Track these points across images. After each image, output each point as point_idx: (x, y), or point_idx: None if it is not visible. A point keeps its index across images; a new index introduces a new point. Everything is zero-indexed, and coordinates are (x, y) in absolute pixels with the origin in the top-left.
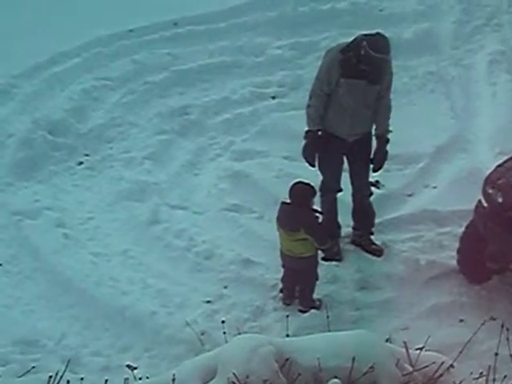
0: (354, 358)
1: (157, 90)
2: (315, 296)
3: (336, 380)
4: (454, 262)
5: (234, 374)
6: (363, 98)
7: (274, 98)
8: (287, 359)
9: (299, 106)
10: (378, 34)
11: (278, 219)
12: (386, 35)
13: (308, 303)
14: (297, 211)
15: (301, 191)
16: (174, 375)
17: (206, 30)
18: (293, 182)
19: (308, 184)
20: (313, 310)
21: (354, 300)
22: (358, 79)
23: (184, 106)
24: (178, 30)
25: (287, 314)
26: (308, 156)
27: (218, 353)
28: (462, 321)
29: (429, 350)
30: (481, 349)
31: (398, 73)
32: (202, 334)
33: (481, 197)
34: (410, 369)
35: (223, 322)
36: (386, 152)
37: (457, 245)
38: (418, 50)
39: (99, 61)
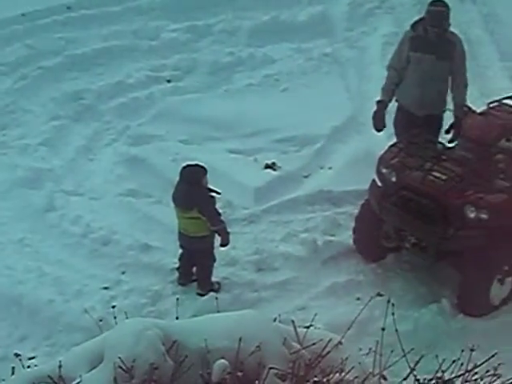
0: (240, 339)
1: (50, 75)
2: (213, 279)
3: (223, 361)
4: (350, 242)
5: (119, 358)
6: (431, 72)
7: (169, 81)
8: (174, 342)
9: (195, 90)
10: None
11: (174, 197)
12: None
13: (206, 286)
14: (192, 190)
15: (192, 171)
16: (60, 362)
17: (99, 13)
18: (182, 165)
19: (198, 165)
20: (211, 293)
21: (253, 282)
22: (426, 54)
23: (78, 90)
24: (71, 14)
25: (182, 297)
26: (375, 123)
27: (104, 338)
28: (358, 299)
29: (318, 328)
30: (377, 326)
31: (293, 55)
32: (101, 320)
33: (375, 176)
34: (298, 347)
35: (113, 307)
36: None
37: (353, 224)
38: (312, 33)
39: None
